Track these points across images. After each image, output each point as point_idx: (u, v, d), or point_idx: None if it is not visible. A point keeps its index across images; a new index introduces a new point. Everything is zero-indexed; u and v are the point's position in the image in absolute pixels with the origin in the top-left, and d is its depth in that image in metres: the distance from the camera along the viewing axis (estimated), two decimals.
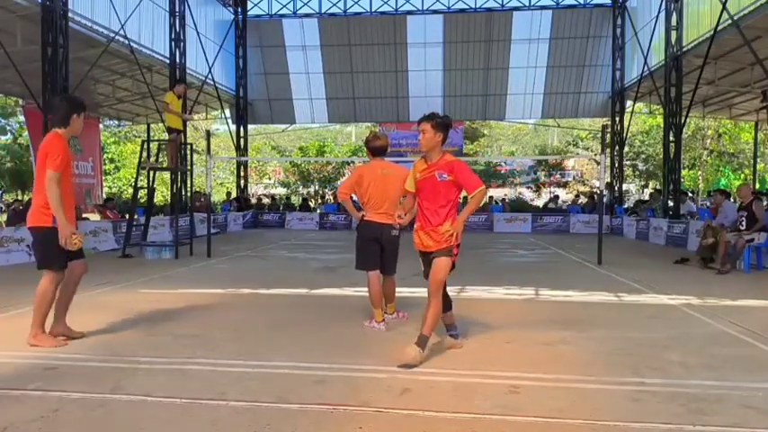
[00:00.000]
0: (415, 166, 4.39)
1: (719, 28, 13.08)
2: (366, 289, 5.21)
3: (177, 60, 17.58)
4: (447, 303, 4.38)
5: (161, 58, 17.66)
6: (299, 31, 23.05)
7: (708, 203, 20.76)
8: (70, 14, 12.96)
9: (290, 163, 33.34)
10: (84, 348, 4.33)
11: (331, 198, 28.34)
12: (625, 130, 21.28)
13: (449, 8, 22.45)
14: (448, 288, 4.34)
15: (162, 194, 27.31)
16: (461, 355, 4.30)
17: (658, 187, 23.52)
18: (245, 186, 24.04)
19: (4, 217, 16.30)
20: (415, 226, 4.40)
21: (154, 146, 13.47)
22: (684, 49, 15.66)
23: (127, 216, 11.37)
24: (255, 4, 23.15)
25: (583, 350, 4.46)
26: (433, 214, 4.19)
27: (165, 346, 4.46)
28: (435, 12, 22.44)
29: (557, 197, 28.10)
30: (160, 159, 13.90)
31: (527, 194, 37.09)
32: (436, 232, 4.14)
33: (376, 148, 5.27)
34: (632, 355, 4.31)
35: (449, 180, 4.15)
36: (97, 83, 18.11)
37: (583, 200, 24.87)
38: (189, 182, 14.36)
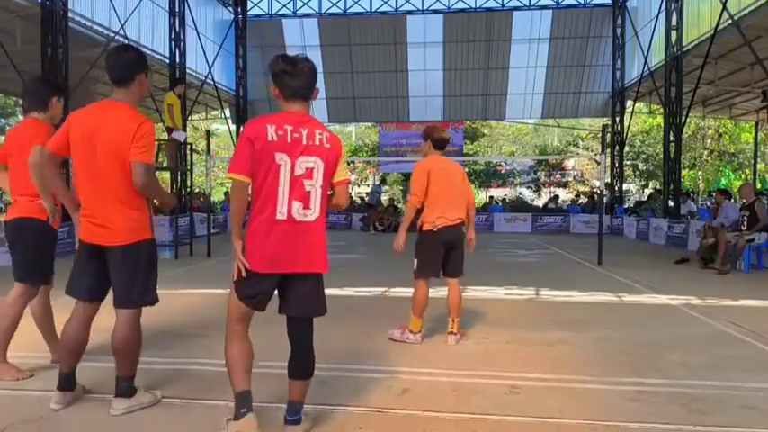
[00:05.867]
0: None
1: (720, 28, 13.06)
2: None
3: (177, 60, 17.57)
4: (297, 366, 2.78)
5: (161, 57, 17.63)
6: (299, 30, 23.02)
7: (708, 203, 20.75)
8: (70, 14, 12.95)
9: None
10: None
11: None
12: (625, 130, 21.25)
13: (449, 8, 22.40)
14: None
15: None
16: (461, 355, 4.29)
17: (659, 187, 23.50)
18: None
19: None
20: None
21: None
22: (684, 49, 15.64)
23: None
24: (255, 4, 23.10)
25: (583, 350, 4.46)
26: None
27: (165, 346, 4.45)
28: (435, 12, 22.38)
29: (557, 197, 28.07)
30: (160, 159, 13.89)
31: (527, 194, 37.05)
32: None
33: (440, 140, 4.67)
34: (632, 355, 4.31)
35: None
36: (97, 83, 18.07)
37: (583, 200, 24.84)
38: (189, 182, 14.38)
